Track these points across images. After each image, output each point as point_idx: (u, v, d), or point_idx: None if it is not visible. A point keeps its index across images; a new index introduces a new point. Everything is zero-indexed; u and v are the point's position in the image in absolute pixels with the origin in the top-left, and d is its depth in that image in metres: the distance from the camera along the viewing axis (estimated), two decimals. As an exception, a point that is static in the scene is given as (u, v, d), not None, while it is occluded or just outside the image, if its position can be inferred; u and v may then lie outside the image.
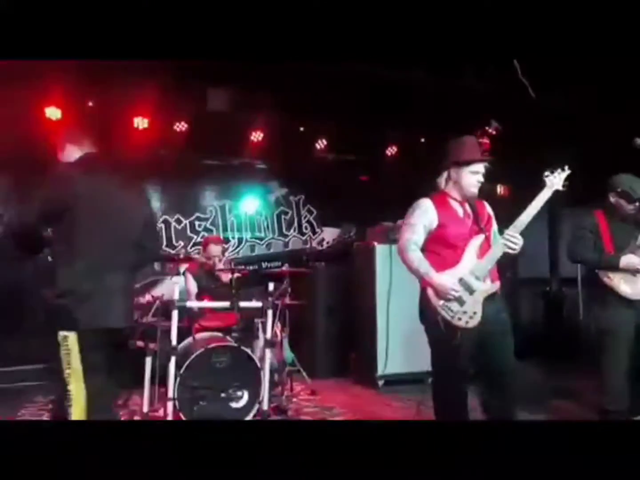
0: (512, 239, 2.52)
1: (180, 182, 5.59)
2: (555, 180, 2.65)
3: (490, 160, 2.69)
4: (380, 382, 4.55)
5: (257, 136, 5.67)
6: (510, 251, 2.54)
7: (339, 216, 6.41)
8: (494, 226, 2.74)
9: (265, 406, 3.43)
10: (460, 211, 2.68)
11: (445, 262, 2.59)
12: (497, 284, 2.62)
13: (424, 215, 2.64)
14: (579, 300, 5.70)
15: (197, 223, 5.78)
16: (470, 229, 2.64)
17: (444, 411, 2.77)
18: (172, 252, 5.39)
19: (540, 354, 5.29)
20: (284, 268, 4.58)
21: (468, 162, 2.62)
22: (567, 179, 2.69)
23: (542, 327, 6.13)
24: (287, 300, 4.29)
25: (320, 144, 6.03)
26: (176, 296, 3.29)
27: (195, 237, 5.72)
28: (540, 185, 2.69)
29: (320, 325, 5.05)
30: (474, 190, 2.65)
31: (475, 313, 2.52)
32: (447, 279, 2.53)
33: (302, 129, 5.78)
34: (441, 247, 2.63)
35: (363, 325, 4.78)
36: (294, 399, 4.11)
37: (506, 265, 2.99)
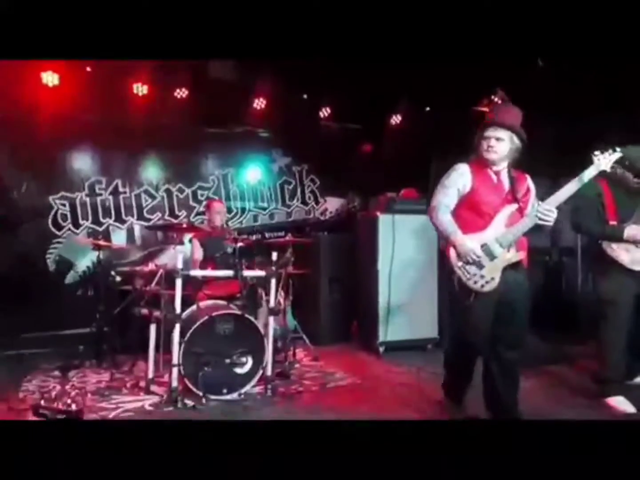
0: (546, 212, 2.55)
1: (181, 151, 5.53)
2: (604, 161, 2.62)
3: (508, 126, 2.63)
4: (382, 349, 4.63)
5: (259, 103, 5.60)
6: (542, 223, 2.57)
7: (343, 186, 6.38)
8: (532, 199, 2.74)
9: (269, 372, 3.51)
10: (494, 179, 2.71)
11: (473, 226, 2.66)
12: (521, 254, 2.66)
13: (459, 179, 2.70)
14: (578, 270, 5.74)
15: (199, 192, 5.76)
16: (504, 198, 2.67)
17: (450, 372, 2.98)
18: (175, 221, 5.41)
19: (538, 322, 5.36)
20: (287, 238, 4.61)
21: (482, 127, 2.68)
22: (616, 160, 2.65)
23: (541, 296, 6.18)
24: (291, 270, 4.34)
25: (324, 112, 5.95)
26: (180, 265, 3.32)
27: (197, 206, 5.72)
28: (586, 163, 2.64)
29: (323, 294, 5.10)
30: (487, 155, 2.66)
31: (492, 279, 2.59)
32: (469, 241, 2.60)
33: (305, 96, 5.69)
34: (471, 211, 2.68)
35: (365, 293, 4.83)
36: (297, 365, 4.19)
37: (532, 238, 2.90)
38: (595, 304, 3.33)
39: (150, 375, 3.50)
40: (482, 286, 2.60)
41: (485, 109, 5.64)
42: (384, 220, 4.70)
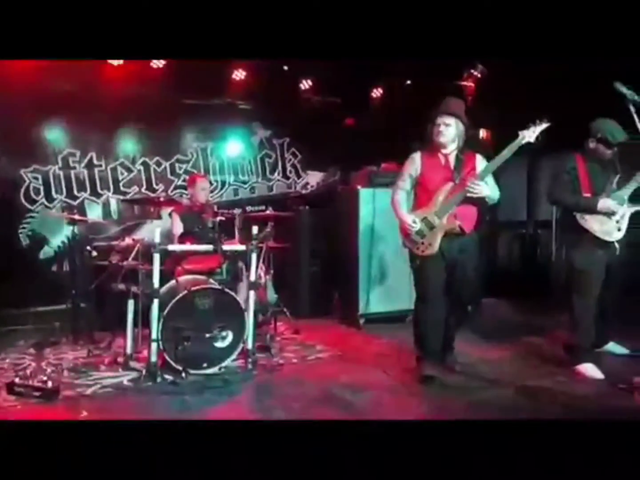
0: (472, 185, 3.02)
1: (158, 123, 5.37)
2: (528, 133, 2.99)
3: (454, 114, 3.12)
4: (362, 321, 4.68)
5: (239, 74, 5.46)
6: (471, 195, 3.04)
7: (324, 160, 6.32)
8: (476, 175, 3.09)
9: (249, 345, 3.51)
10: (442, 161, 3.20)
11: (421, 203, 3.23)
12: (457, 223, 3.10)
13: (411, 166, 3.26)
14: (553, 242, 5.87)
15: (177, 165, 5.65)
16: (445, 177, 3.14)
17: (418, 325, 3.34)
18: (152, 195, 5.30)
19: (514, 293, 5.51)
20: (268, 212, 4.56)
21: (434, 116, 3.15)
22: (543, 131, 2.97)
23: (518, 268, 6.32)
24: (271, 243, 4.31)
25: (305, 84, 5.83)
26: (157, 239, 3.26)
27: (176, 180, 5.61)
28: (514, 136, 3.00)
29: (304, 267, 5.10)
30: (437, 139, 3.14)
31: (430, 244, 3.13)
32: (407, 216, 3.18)
33: (286, 68, 5.56)
34: (422, 191, 3.23)
35: (346, 266, 4.84)
36: (278, 338, 4.21)
37: (486, 209, 3.37)
38: (568, 274, 3.40)
39: (129, 350, 3.48)
40: (423, 251, 3.15)
41: (466, 83, 5.63)
42: (365, 194, 4.69)
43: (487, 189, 3.07)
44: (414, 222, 3.13)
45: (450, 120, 3.12)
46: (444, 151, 3.18)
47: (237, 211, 4.17)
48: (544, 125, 2.99)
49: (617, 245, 3.27)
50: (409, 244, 3.23)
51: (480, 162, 3.18)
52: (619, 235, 3.26)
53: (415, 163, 3.24)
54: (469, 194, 3.04)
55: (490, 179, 3.18)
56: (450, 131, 3.12)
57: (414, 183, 3.25)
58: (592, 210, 3.23)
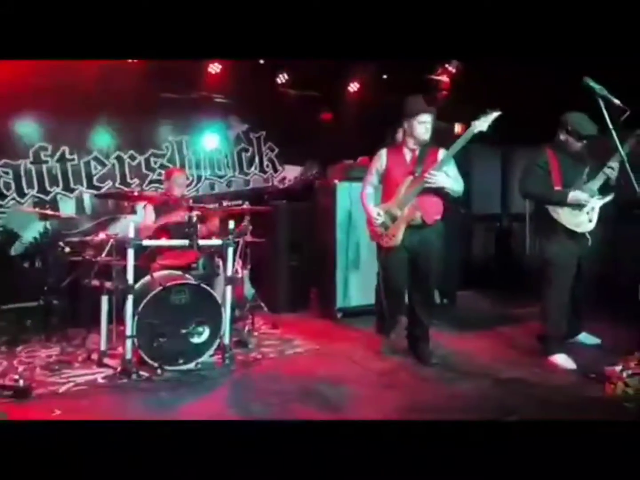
0: (430, 176, 3.14)
1: (133, 116, 5.27)
2: (479, 123, 3.10)
3: (433, 110, 3.24)
4: (340, 315, 4.69)
5: (215, 68, 5.39)
6: (431, 185, 3.16)
7: (301, 154, 6.29)
8: (436, 168, 3.19)
9: (226, 341, 3.49)
10: (408, 157, 3.32)
11: (387, 197, 3.36)
12: (418, 214, 3.23)
13: (377, 162, 3.41)
14: (526, 235, 5.99)
15: (152, 159, 5.56)
16: (409, 171, 3.26)
17: (381, 307, 3.60)
18: (126, 189, 5.20)
19: (489, 285, 5.60)
20: (244, 206, 4.53)
21: (415, 114, 3.22)
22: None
23: (493, 260, 6.43)
24: (248, 238, 4.29)
25: (282, 78, 5.79)
26: (132, 234, 3.21)
27: (151, 174, 5.51)
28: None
29: (281, 262, 5.09)
30: (424, 136, 3.24)
31: (394, 235, 3.26)
32: (372, 209, 3.33)
33: (262, 61, 5.51)
34: (388, 186, 3.37)
35: (323, 260, 4.85)
36: (255, 333, 4.19)
37: (460, 202, 3.38)
38: (540, 266, 3.47)
39: (103, 347, 3.42)
40: (387, 242, 3.28)
41: (440, 78, 5.67)
42: (342, 188, 4.70)
43: (447, 180, 3.18)
44: (379, 214, 3.27)
45: (431, 118, 3.25)
46: (411, 147, 3.30)
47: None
48: (495, 114, 3.11)
49: (588, 237, 3.34)
50: (374, 237, 3.37)
51: (440, 157, 3.27)
52: (590, 226, 3.33)
53: (381, 159, 3.38)
54: (427, 185, 3.16)
55: (453, 172, 3.25)
56: (431, 128, 3.26)
57: (381, 178, 3.39)
58: (563, 202, 3.30)
